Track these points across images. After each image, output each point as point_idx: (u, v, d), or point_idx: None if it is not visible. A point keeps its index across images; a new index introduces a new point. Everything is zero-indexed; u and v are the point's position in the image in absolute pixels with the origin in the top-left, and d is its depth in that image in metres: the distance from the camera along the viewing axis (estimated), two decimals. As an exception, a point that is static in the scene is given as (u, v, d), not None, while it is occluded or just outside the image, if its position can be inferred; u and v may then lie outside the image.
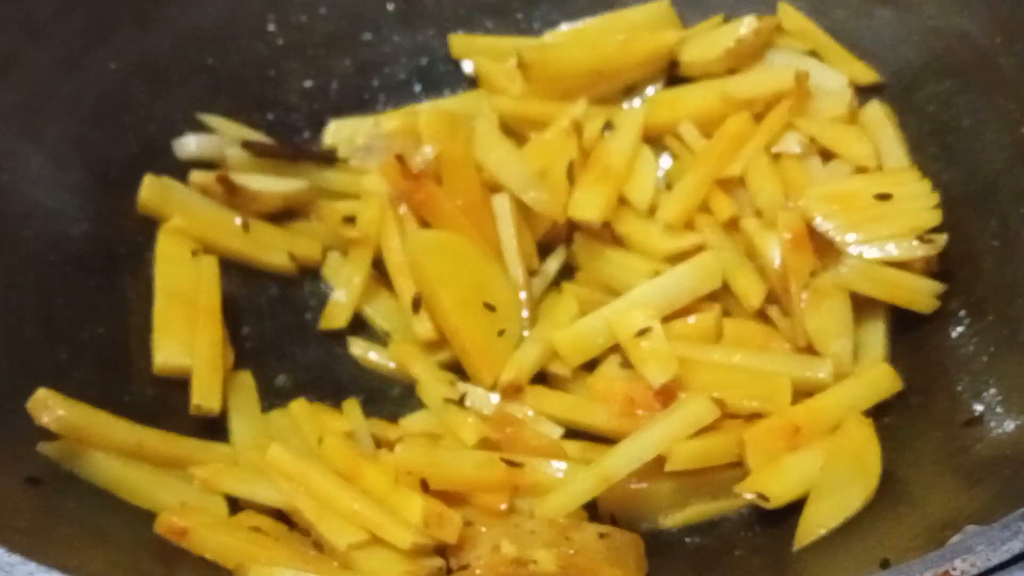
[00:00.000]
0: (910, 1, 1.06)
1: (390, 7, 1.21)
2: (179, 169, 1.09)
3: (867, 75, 1.09)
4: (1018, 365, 0.88)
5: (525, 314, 1.04)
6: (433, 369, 1.02)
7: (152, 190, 1.05)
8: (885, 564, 0.76)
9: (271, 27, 1.17)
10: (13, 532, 0.72)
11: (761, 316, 1.01)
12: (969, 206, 0.98)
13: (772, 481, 0.89)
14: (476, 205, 1.05)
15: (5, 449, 0.83)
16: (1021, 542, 0.64)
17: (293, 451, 0.90)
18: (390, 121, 1.15)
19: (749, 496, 0.88)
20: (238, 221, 1.07)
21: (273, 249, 1.08)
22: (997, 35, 0.99)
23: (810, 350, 0.97)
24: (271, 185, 1.09)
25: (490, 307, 1.01)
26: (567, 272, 1.09)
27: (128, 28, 1.09)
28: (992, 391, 0.89)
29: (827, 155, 1.06)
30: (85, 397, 0.90)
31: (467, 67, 1.21)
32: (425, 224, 1.06)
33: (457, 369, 1.03)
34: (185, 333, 0.97)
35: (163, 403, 0.97)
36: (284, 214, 1.12)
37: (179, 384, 0.96)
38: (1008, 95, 0.97)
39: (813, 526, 0.86)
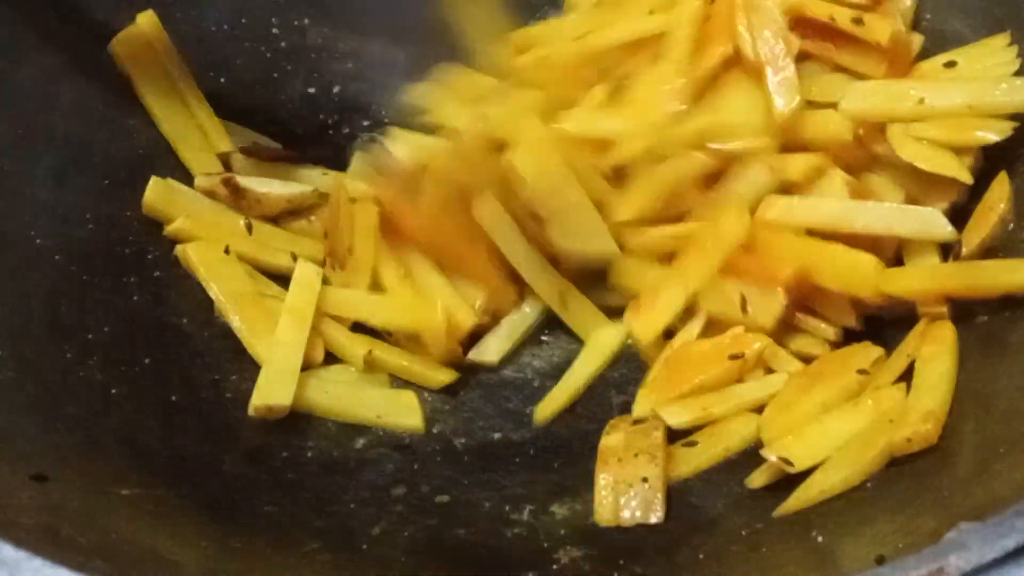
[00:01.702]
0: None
1: (392, 10, 1.23)
2: (183, 171, 1.10)
3: None
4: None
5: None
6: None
7: (156, 192, 1.05)
8: (880, 561, 0.76)
9: (275, 30, 1.18)
10: (19, 529, 0.72)
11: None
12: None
13: (796, 445, 0.89)
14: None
15: (11, 446, 0.84)
16: (1015, 539, 0.64)
17: None
18: (400, 147, 1.14)
19: (773, 459, 0.88)
20: (242, 223, 1.08)
21: (276, 251, 1.09)
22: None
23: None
24: (276, 188, 1.10)
25: None
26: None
27: (132, 31, 1.10)
28: (986, 390, 0.89)
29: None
30: (90, 395, 0.92)
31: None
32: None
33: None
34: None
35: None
36: (286, 215, 1.12)
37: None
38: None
39: (816, 491, 0.86)
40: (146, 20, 1.09)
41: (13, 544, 0.67)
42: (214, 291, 1.02)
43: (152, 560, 0.82)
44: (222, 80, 1.16)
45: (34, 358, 0.93)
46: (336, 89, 1.21)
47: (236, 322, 1.01)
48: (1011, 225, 0.93)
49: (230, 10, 1.16)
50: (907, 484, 0.86)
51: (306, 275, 1.04)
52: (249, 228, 1.08)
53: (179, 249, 1.04)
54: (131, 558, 0.80)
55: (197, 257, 1.02)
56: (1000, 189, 0.94)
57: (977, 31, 1.01)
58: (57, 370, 0.93)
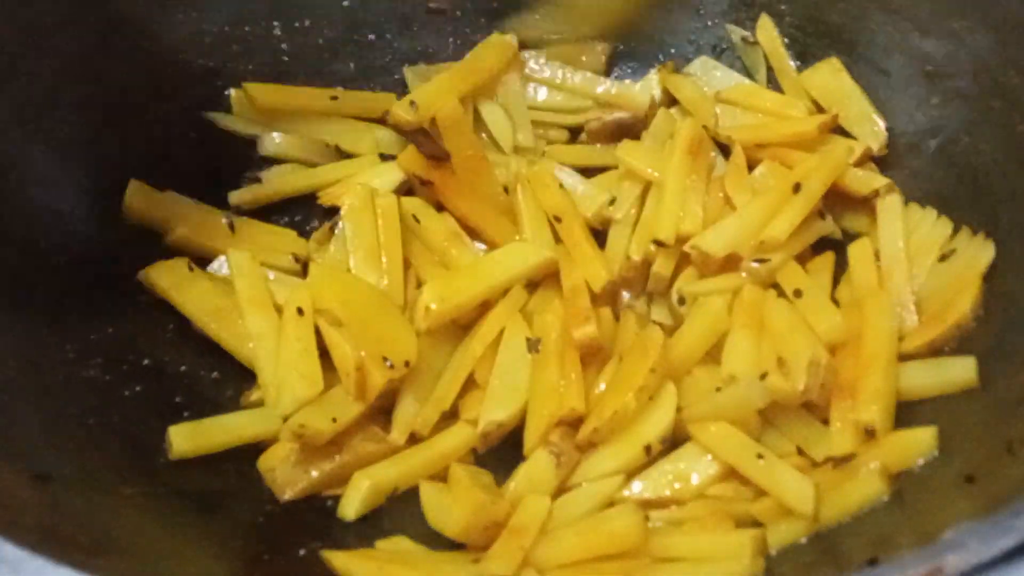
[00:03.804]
0: (904, 6, 1.07)
1: (393, 10, 1.22)
2: (182, 171, 1.10)
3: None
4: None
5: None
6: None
7: (136, 195, 1.05)
8: (873, 562, 0.76)
9: (276, 31, 1.18)
10: (21, 529, 0.72)
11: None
12: (961, 206, 1.00)
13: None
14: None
15: (13, 446, 0.84)
16: (1013, 539, 0.64)
17: None
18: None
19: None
20: (224, 221, 1.07)
21: (272, 250, 1.08)
22: (990, 38, 1.00)
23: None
24: None
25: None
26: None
27: (134, 31, 1.09)
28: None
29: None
30: (92, 395, 0.92)
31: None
32: (442, 209, 1.09)
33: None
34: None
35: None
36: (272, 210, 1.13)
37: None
38: (1000, 97, 0.98)
39: None
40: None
41: (15, 543, 0.67)
42: (188, 312, 1.01)
43: (153, 560, 0.82)
44: (225, 81, 1.16)
45: (36, 358, 0.93)
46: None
47: (219, 337, 1.01)
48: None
49: (231, 12, 1.16)
50: (906, 483, 0.87)
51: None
52: (231, 227, 1.07)
53: (143, 275, 1.02)
54: (132, 557, 0.81)
55: (163, 280, 1.01)
56: (967, 296, 0.94)
57: (975, 32, 1.01)
58: (59, 370, 0.94)
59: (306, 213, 1.14)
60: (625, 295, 1.06)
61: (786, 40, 1.16)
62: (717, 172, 1.09)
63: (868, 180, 1.04)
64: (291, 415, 0.95)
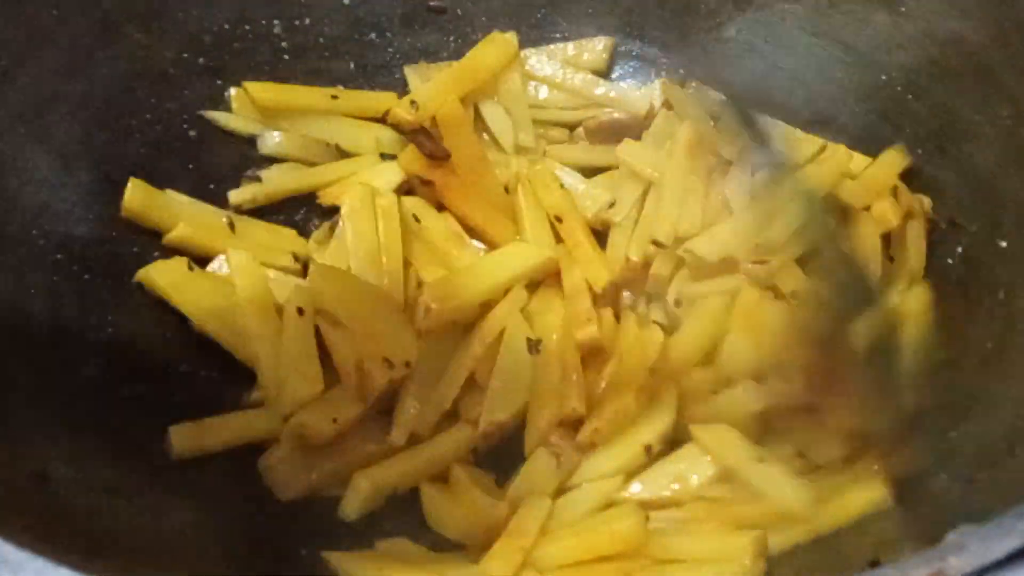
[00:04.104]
0: (906, 5, 1.07)
1: (394, 9, 1.22)
2: (184, 171, 1.10)
3: None
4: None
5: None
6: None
7: (135, 194, 1.04)
8: (875, 564, 0.77)
9: (276, 30, 1.18)
10: (20, 529, 0.72)
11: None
12: (962, 207, 1.00)
13: None
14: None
15: (12, 445, 0.84)
16: (1015, 541, 0.64)
17: None
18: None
19: None
20: (224, 221, 1.07)
21: (272, 249, 1.08)
22: (992, 39, 1.00)
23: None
24: None
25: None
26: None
27: (134, 30, 1.09)
28: (985, 388, 0.90)
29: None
30: (92, 395, 0.92)
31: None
32: (442, 209, 1.09)
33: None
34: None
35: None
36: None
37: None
38: (1002, 98, 0.98)
39: None
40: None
41: (15, 544, 0.67)
42: (188, 312, 1.01)
43: (152, 560, 0.82)
44: (225, 79, 1.15)
45: (35, 357, 0.92)
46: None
47: (219, 336, 1.01)
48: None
49: (231, 10, 1.16)
50: (907, 485, 0.87)
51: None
52: (231, 226, 1.07)
53: (142, 274, 1.02)
54: (132, 557, 0.81)
55: (163, 280, 1.01)
56: None
57: (977, 32, 1.01)
58: (58, 369, 0.93)
59: (306, 213, 1.14)
60: (626, 296, 1.07)
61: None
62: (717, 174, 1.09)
63: (862, 193, 1.04)
64: (291, 415, 0.95)
